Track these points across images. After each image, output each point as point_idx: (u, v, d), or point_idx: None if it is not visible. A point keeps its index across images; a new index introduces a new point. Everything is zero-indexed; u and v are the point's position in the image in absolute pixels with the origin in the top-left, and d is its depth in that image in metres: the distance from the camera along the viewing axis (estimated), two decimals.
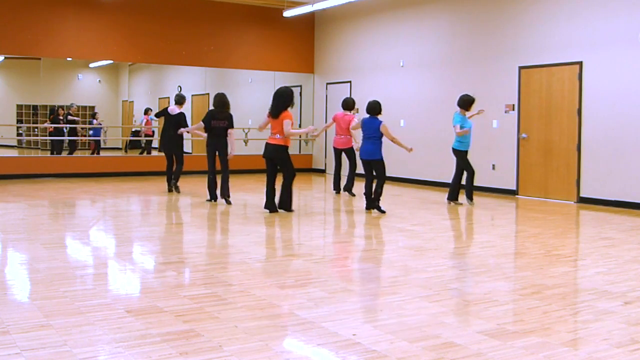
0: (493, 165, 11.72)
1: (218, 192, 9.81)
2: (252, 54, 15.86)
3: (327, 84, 16.11)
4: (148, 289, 4.89)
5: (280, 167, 8.80)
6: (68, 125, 15.87)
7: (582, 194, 10.40)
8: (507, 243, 7.22)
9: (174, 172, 11.16)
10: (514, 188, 11.44)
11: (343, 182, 11.28)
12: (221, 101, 9.70)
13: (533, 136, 11.13)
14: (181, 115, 11.02)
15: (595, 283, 5.13)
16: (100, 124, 17.82)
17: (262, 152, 8.88)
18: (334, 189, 11.33)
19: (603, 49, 10.07)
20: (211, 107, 9.85)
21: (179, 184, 11.18)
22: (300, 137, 15.86)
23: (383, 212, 8.93)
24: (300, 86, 17.03)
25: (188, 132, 11.17)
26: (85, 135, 17.77)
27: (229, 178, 9.87)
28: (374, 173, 9.13)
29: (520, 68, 11.31)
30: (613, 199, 9.97)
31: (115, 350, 3.41)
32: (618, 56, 9.88)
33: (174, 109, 11.03)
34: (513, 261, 6.18)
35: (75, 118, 16.72)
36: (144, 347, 3.46)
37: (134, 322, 3.89)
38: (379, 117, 9.14)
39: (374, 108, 9.13)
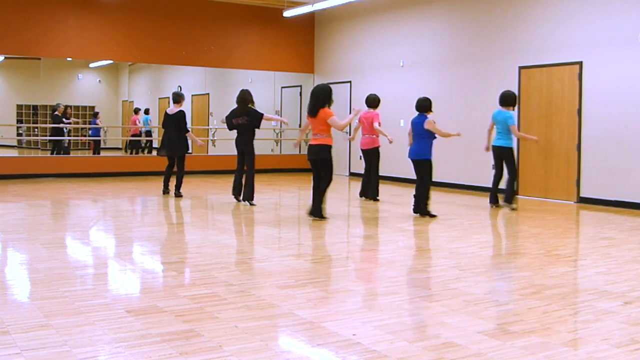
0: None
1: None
2: (252, 54, 15.85)
3: (327, 84, 16.07)
4: (148, 289, 4.90)
5: (321, 169, 8.27)
6: (55, 125, 15.70)
7: (582, 194, 10.39)
8: (507, 243, 7.21)
9: (176, 178, 10.50)
10: (514, 188, 11.41)
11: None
12: (241, 97, 9.62)
13: (533, 136, 11.11)
14: (180, 114, 10.38)
15: (595, 283, 5.13)
16: (99, 124, 17.78)
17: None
18: (361, 195, 10.58)
19: (603, 49, 10.06)
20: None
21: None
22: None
23: (433, 216, 8.65)
24: (301, 86, 17.02)
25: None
26: (85, 135, 17.75)
27: (254, 180, 9.65)
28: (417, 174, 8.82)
29: (520, 68, 11.31)
30: (613, 199, 9.96)
31: (115, 350, 3.41)
32: (618, 56, 9.88)
33: (172, 109, 10.44)
34: (513, 261, 6.17)
35: (67, 120, 16.46)
36: (144, 347, 3.46)
37: (134, 322, 3.89)
38: (429, 114, 8.76)
39: (422, 106, 8.77)
